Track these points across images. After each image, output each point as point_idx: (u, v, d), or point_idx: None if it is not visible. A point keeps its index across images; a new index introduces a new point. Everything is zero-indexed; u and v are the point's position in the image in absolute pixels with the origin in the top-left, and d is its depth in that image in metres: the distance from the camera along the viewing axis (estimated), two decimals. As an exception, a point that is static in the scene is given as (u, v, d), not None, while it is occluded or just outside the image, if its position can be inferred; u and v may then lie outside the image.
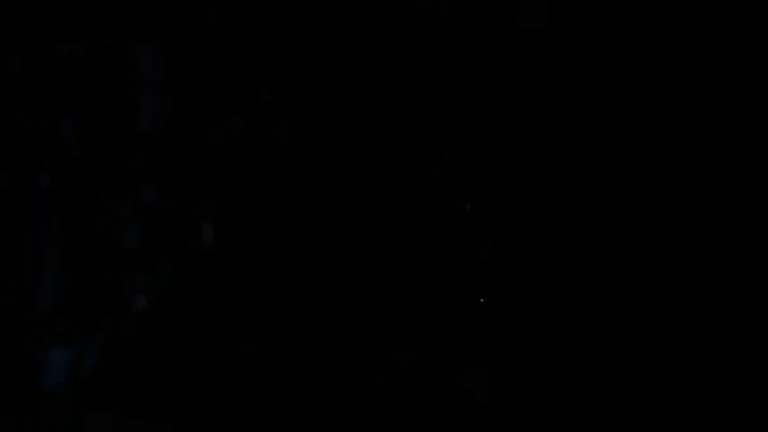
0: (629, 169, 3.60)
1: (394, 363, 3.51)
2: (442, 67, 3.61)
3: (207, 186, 3.54)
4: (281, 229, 3.58)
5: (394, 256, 3.62)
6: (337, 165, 3.61)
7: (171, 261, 3.51)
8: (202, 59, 3.56)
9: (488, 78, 3.60)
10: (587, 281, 3.57)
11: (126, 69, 3.51)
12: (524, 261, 3.60)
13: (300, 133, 3.57)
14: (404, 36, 3.62)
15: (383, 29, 3.56)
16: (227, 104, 3.55)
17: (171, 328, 3.51)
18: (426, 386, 3.47)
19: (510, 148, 3.62)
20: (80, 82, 3.47)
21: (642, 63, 3.57)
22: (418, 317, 3.57)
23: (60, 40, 3.45)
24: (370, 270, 3.59)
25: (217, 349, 3.51)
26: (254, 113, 3.55)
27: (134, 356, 3.47)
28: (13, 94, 3.45)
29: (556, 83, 3.61)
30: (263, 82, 3.56)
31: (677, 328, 3.51)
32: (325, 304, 3.54)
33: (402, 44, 3.63)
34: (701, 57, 3.56)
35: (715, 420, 3.38)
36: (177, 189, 3.52)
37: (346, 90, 3.59)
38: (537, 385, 3.49)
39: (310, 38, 3.59)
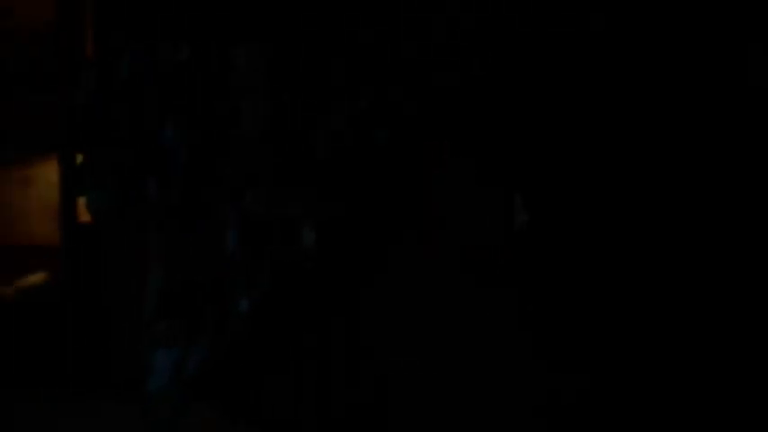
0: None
1: (491, 364, 3.51)
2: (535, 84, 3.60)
3: (308, 189, 3.55)
4: (381, 231, 3.58)
5: (488, 259, 3.62)
6: (435, 167, 3.60)
7: (273, 264, 3.53)
8: (303, 63, 3.56)
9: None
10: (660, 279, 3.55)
11: (229, 74, 3.53)
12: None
13: (401, 135, 3.57)
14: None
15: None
16: (328, 107, 3.55)
17: (273, 331, 3.53)
18: (517, 384, 3.48)
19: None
20: (185, 86, 3.50)
21: None
22: (508, 318, 3.57)
23: (166, 45, 3.48)
24: (467, 273, 3.59)
25: (318, 352, 3.53)
26: (354, 116, 3.55)
27: (237, 358, 3.50)
28: (120, 99, 3.48)
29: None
30: (363, 84, 3.56)
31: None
32: (426, 305, 3.54)
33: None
34: None
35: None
36: (279, 192, 3.53)
37: (448, 95, 3.58)
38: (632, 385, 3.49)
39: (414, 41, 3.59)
